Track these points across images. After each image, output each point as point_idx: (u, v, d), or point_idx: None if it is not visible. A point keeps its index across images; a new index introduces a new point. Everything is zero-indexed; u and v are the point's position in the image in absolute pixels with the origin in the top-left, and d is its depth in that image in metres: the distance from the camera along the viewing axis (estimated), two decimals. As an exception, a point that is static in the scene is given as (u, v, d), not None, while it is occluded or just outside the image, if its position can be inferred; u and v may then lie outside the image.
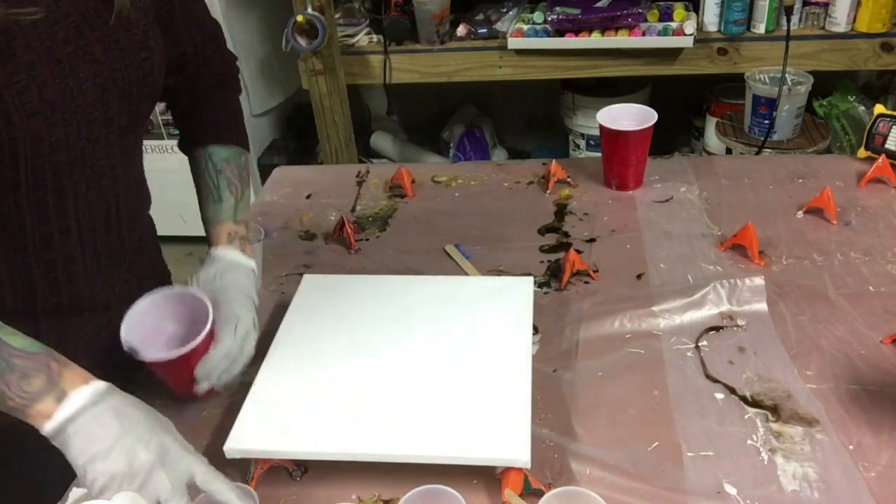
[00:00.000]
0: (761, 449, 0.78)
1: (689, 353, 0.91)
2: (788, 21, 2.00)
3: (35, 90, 0.71)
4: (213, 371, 0.82)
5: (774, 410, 0.82)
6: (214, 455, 0.81)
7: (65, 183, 0.78)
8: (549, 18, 2.16)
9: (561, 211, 1.23)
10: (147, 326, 0.85)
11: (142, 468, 0.65)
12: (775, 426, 0.81)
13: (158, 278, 1.04)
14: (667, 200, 1.23)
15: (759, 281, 0.98)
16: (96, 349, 0.89)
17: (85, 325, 0.88)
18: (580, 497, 0.68)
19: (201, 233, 0.95)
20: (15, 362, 0.67)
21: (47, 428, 0.67)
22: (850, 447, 0.78)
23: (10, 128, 0.70)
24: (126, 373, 0.93)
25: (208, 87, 0.99)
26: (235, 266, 0.89)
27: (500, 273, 1.08)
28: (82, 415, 0.66)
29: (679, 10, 2.15)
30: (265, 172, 2.03)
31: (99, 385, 0.69)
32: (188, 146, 0.98)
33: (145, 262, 0.97)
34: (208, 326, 0.82)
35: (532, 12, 2.25)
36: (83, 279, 0.85)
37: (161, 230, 1.06)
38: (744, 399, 0.84)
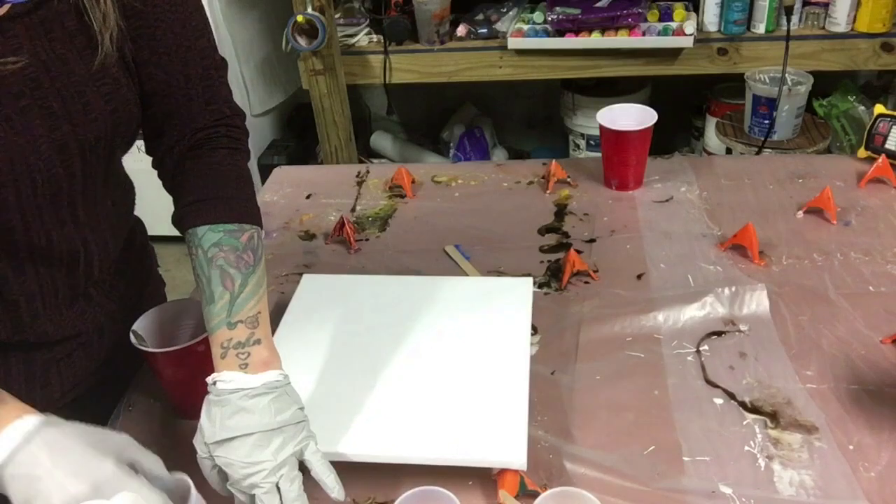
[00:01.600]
0: (759, 455, 0.78)
1: (689, 358, 0.91)
2: (788, 21, 1.99)
3: None
4: None
5: (774, 417, 0.82)
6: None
7: (18, 239, 0.72)
8: (549, 18, 2.15)
9: (561, 211, 1.23)
10: (159, 330, 0.86)
11: (74, 500, 0.59)
12: (774, 433, 0.80)
13: (141, 298, 0.97)
14: (667, 200, 1.23)
15: (761, 287, 0.98)
16: (67, 371, 0.86)
17: (53, 349, 0.83)
18: (576, 498, 0.68)
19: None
20: None
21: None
22: (850, 447, 0.78)
23: None
24: (133, 364, 0.92)
25: (195, 145, 0.81)
26: (237, 410, 0.69)
27: (499, 273, 1.08)
28: (15, 457, 0.60)
29: (679, 10, 2.15)
30: (265, 172, 2.03)
31: (30, 421, 0.61)
32: (176, 224, 0.79)
33: (124, 287, 0.91)
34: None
35: (532, 12, 2.25)
36: (46, 317, 0.80)
37: (160, 230, 1.05)
38: (743, 405, 0.84)
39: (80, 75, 0.71)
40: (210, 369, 0.88)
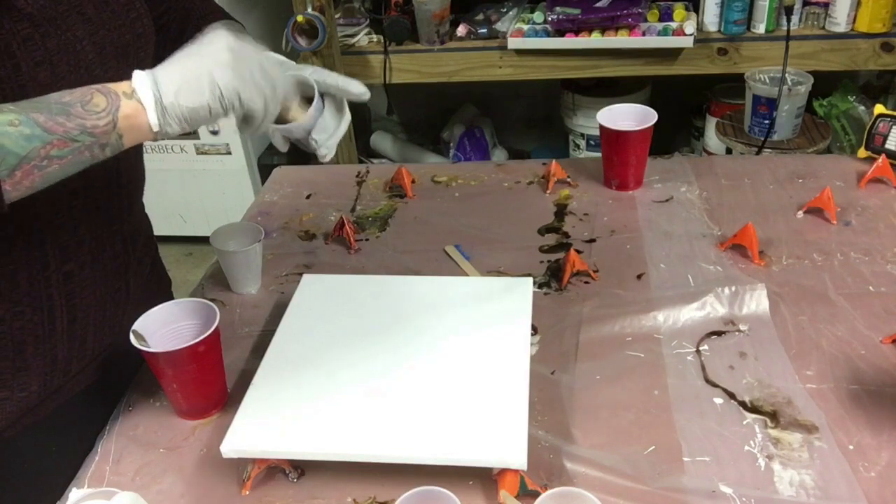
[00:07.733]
0: (759, 455, 0.78)
1: (689, 357, 0.91)
2: (788, 21, 2.00)
3: (38, 39, 0.71)
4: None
5: (774, 416, 0.82)
6: (210, 455, 0.81)
7: None
8: (549, 18, 2.16)
9: (561, 211, 1.23)
10: (159, 330, 0.86)
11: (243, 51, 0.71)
12: (774, 432, 0.80)
13: (156, 278, 1.03)
14: (667, 200, 1.23)
15: (761, 287, 0.98)
16: (105, 334, 0.88)
17: (91, 304, 0.86)
18: (576, 497, 0.68)
19: (201, 233, 0.95)
20: (65, 99, 0.65)
21: (142, 93, 0.67)
22: (850, 447, 0.78)
23: (18, 76, 0.69)
24: (133, 364, 0.93)
25: (194, 19, 0.96)
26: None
27: (499, 273, 1.08)
28: (154, 74, 0.68)
29: (679, 10, 2.15)
30: (265, 172, 2.03)
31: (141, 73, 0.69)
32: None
33: (142, 249, 0.95)
34: (213, 328, 0.82)
35: (532, 12, 2.25)
36: (88, 245, 0.83)
37: (161, 230, 1.05)
38: (743, 405, 0.84)
39: None
40: (210, 370, 0.88)
